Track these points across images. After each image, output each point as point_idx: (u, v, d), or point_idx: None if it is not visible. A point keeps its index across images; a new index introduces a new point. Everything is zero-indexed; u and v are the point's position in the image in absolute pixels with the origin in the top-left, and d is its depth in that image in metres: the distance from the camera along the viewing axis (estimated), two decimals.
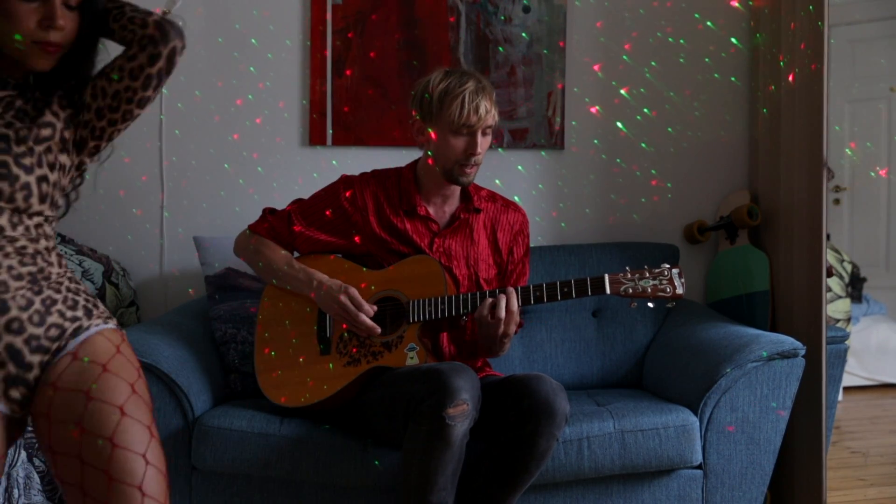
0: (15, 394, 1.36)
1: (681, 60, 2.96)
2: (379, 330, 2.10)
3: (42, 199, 1.40)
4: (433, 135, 2.15)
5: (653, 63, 2.95)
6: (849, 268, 4.15)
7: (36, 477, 2.26)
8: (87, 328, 1.43)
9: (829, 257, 2.98)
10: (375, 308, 2.12)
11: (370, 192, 2.23)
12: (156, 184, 2.83)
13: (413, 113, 2.20)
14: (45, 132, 1.42)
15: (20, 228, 1.38)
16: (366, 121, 2.84)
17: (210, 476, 2.14)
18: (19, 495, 2.20)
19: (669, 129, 2.97)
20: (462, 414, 1.82)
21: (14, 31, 1.34)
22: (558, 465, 2.09)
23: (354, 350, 2.14)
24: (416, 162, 2.29)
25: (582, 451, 2.10)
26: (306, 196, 2.31)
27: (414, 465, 1.87)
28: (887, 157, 4.90)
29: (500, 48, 2.89)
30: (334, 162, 2.83)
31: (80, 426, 1.34)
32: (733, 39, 2.95)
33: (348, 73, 2.84)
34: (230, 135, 2.85)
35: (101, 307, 1.50)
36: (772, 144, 2.75)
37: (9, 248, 1.36)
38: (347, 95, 2.84)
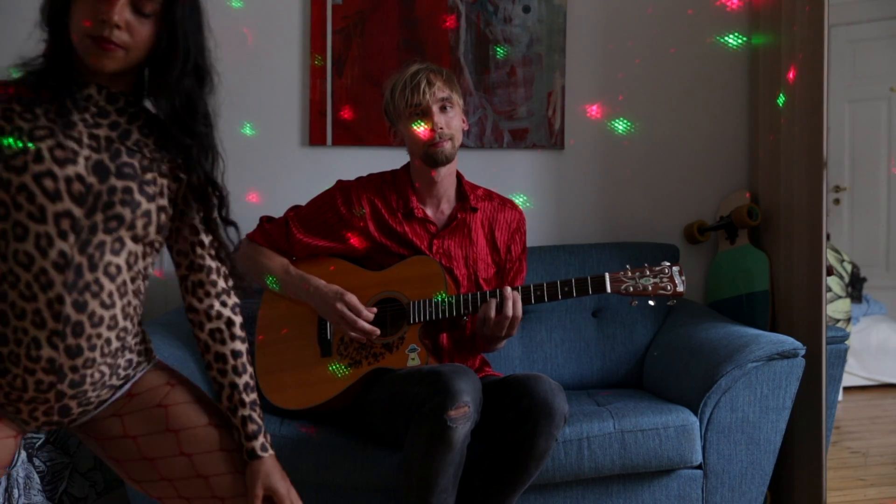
0: (46, 429, 1.43)
1: (681, 60, 2.96)
2: (378, 332, 2.10)
3: (159, 230, 1.41)
4: (401, 131, 2.19)
5: (653, 62, 2.95)
6: (849, 268, 4.15)
7: (36, 477, 2.26)
8: (133, 377, 1.49)
9: (829, 257, 2.98)
10: (375, 310, 2.12)
11: (367, 197, 2.23)
12: None
13: (386, 123, 2.26)
14: (165, 168, 1.42)
15: (136, 267, 1.39)
16: (366, 121, 2.84)
17: None
18: (19, 495, 2.19)
19: (669, 129, 2.97)
20: (463, 416, 1.82)
21: (76, 25, 1.31)
22: (558, 465, 2.09)
23: (355, 351, 2.14)
24: (409, 164, 2.29)
25: (582, 451, 2.10)
26: (304, 198, 2.31)
27: (415, 468, 1.87)
28: (887, 157, 4.90)
29: (501, 48, 2.89)
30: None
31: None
32: (734, 38, 2.95)
33: (348, 73, 2.84)
34: (230, 135, 2.84)
35: (147, 345, 1.54)
36: (772, 144, 2.75)
37: (117, 311, 1.37)
38: (347, 95, 2.84)
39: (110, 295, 1.34)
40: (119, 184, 1.33)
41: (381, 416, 2.03)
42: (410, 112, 2.14)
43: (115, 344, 1.39)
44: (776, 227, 2.70)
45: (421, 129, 2.14)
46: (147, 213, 1.37)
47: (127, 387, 1.47)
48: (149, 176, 1.38)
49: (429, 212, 2.24)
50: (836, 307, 3.57)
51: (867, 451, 3.31)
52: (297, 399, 2.14)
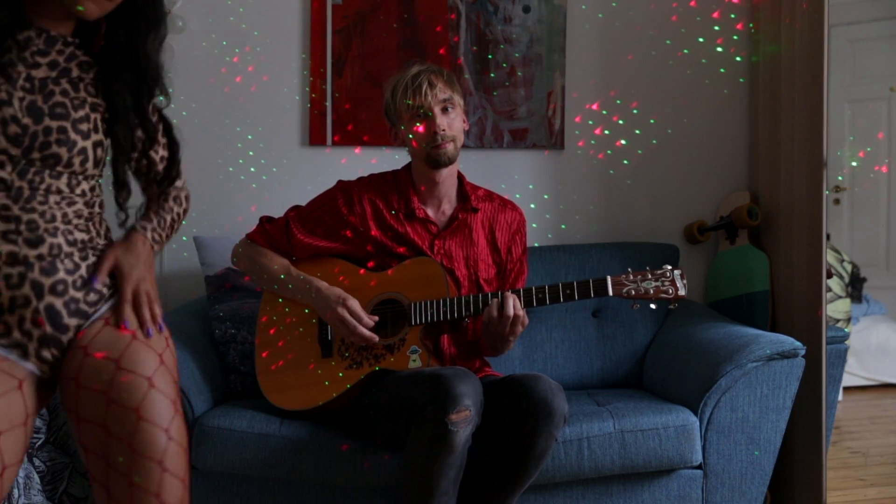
0: (47, 354, 1.38)
1: (681, 59, 2.96)
2: (377, 339, 2.10)
3: (96, 164, 1.44)
4: (402, 132, 2.18)
5: (653, 62, 2.95)
6: (849, 268, 4.15)
7: (36, 477, 2.26)
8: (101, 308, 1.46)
9: (829, 257, 2.98)
10: (376, 318, 2.12)
11: (368, 198, 2.23)
12: None
13: (386, 124, 2.26)
14: (99, 101, 1.45)
15: (78, 190, 1.42)
16: (366, 121, 2.84)
17: (210, 476, 2.14)
18: (19, 495, 2.20)
19: (669, 129, 2.97)
20: (465, 420, 1.82)
21: None
22: (558, 465, 2.09)
23: (356, 353, 2.13)
24: (410, 164, 2.29)
25: (582, 451, 2.10)
26: (304, 198, 2.30)
27: (416, 471, 1.87)
28: (887, 157, 4.90)
29: (501, 47, 2.89)
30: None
31: (108, 395, 1.37)
32: (734, 37, 2.95)
33: (348, 73, 2.84)
34: (230, 135, 2.85)
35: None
36: (772, 144, 2.75)
37: (68, 210, 1.40)
38: (347, 95, 2.84)
39: (58, 202, 1.39)
40: (54, 124, 1.37)
41: (381, 418, 2.03)
42: (412, 114, 2.14)
43: (78, 235, 1.41)
44: (776, 227, 2.70)
45: (423, 131, 2.13)
46: (83, 151, 1.40)
47: (102, 310, 1.44)
48: (80, 114, 1.40)
49: (430, 212, 2.24)
50: (836, 307, 3.57)
51: (867, 451, 3.32)
52: (298, 399, 2.14)
